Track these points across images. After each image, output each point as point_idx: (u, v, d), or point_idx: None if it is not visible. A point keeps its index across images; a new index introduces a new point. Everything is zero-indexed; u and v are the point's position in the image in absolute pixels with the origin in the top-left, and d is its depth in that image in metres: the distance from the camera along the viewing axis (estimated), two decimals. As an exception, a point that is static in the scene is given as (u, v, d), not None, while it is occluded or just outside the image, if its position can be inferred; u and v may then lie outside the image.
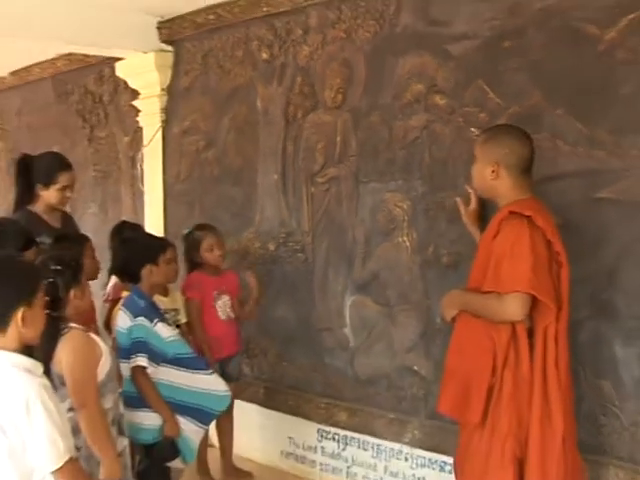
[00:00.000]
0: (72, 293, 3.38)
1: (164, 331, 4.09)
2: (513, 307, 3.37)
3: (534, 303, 3.40)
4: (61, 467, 2.66)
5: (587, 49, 3.86)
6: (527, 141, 3.60)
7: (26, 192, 4.78)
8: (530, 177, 3.61)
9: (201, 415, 4.15)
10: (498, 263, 3.40)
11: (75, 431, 3.22)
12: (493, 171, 3.54)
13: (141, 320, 4.05)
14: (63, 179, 4.77)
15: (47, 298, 3.17)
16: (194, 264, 5.14)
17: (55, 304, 3.29)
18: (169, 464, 4.15)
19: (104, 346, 3.43)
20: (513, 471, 3.44)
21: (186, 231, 5.25)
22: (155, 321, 4.08)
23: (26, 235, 4.04)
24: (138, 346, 4.02)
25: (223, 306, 5.13)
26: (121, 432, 3.55)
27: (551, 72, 4.00)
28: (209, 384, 4.18)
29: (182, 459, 4.18)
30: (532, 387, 3.43)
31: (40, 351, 3.16)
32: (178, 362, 4.10)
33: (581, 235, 3.89)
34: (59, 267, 3.35)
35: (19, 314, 2.65)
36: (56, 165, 4.86)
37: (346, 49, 5.02)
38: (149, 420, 4.00)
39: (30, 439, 2.63)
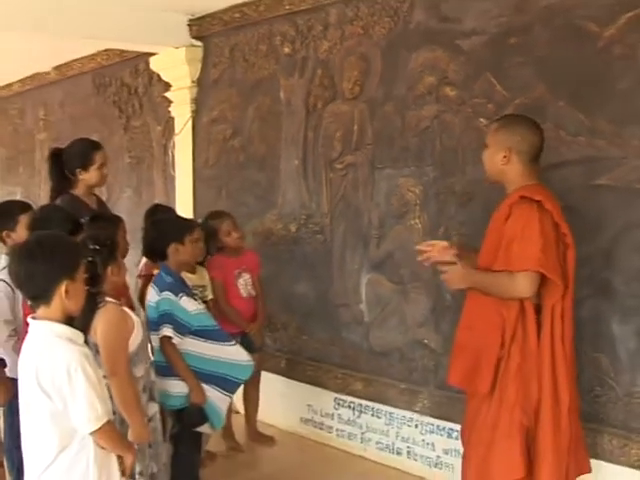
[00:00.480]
0: (109, 270, 3.39)
1: (189, 304, 4.07)
2: (523, 284, 3.37)
3: (542, 282, 3.39)
4: (99, 428, 2.68)
5: (588, 45, 3.83)
6: (538, 130, 3.55)
7: (61, 181, 4.76)
8: (538, 165, 3.56)
9: (226, 383, 4.13)
10: (509, 244, 3.40)
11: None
12: (505, 156, 3.49)
13: (166, 294, 4.03)
14: (98, 157, 4.74)
15: (86, 275, 3.23)
16: (215, 249, 5.11)
17: (93, 280, 3.31)
18: (199, 429, 4.16)
19: (136, 319, 3.45)
20: (520, 440, 3.44)
21: (201, 221, 5.19)
22: (180, 295, 4.05)
23: (72, 220, 4.03)
24: (164, 318, 4.01)
25: (244, 284, 5.13)
26: (152, 398, 3.57)
27: (554, 66, 3.96)
28: (233, 354, 4.16)
29: (210, 425, 4.18)
30: (540, 361, 3.43)
31: (79, 322, 3.20)
32: (203, 334, 4.09)
33: (581, 219, 3.85)
34: (97, 246, 3.35)
35: (63, 287, 2.67)
36: (89, 147, 4.84)
37: (363, 44, 5.00)
38: (177, 387, 4.00)
39: (71, 403, 2.65)
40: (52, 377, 2.65)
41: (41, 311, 2.72)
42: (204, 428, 4.17)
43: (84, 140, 5.08)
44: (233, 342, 4.23)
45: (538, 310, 3.46)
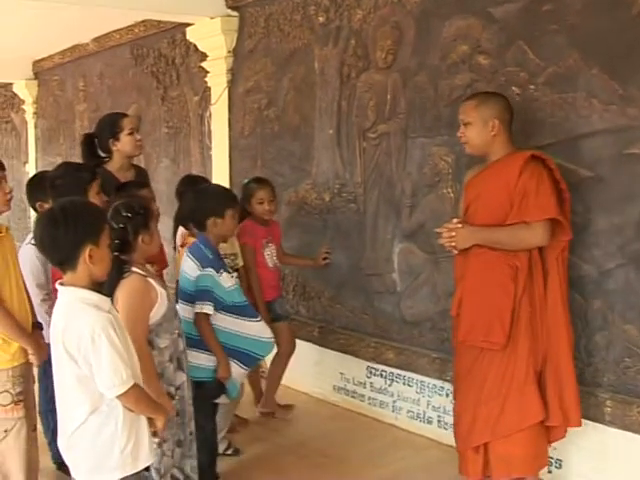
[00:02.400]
0: (140, 238, 3.40)
1: (227, 281, 4.09)
2: (542, 233, 3.66)
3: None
4: (125, 392, 2.72)
5: (622, 12, 3.78)
6: (509, 102, 3.90)
7: (91, 160, 4.81)
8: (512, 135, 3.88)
9: (247, 359, 4.18)
10: (524, 197, 3.65)
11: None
12: (493, 127, 3.77)
13: (209, 271, 4.03)
14: (127, 123, 4.80)
15: (117, 241, 3.27)
16: (246, 212, 5.14)
17: (124, 247, 3.37)
18: (216, 400, 4.20)
19: (161, 290, 3.43)
20: (535, 388, 3.70)
21: (245, 181, 5.29)
22: (221, 272, 4.07)
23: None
24: (204, 295, 4.01)
25: (270, 254, 5.16)
26: (180, 368, 3.58)
27: (587, 34, 3.91)
28: (257, 331, 4.18)
29: (228, 396, 4.21)
30: (549, 306, 3.73)
31: (106, 288, 3.27)
32: (233, 309, 4.11)
33: (612, 188, 3.85)
34: (129, 214, 3.38)
35: (86, 252, 2.71)
36: (115, 116, 4.94)
37: (397, 13, 4.98)
38: (204, 360, 4.03)
39: (97, 368, 2.69)
40: (77, 343, 2.70)
41: (68, 277, 2.77)
42: (221, 399, 4.22)
43: (110, 113, 5.19)
44: (259, 318, 4.26)
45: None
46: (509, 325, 3.66)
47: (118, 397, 2.74)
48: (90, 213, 2.83)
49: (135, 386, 2.77)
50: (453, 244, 3.86)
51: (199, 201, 4.31)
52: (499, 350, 3.69)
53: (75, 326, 2.72)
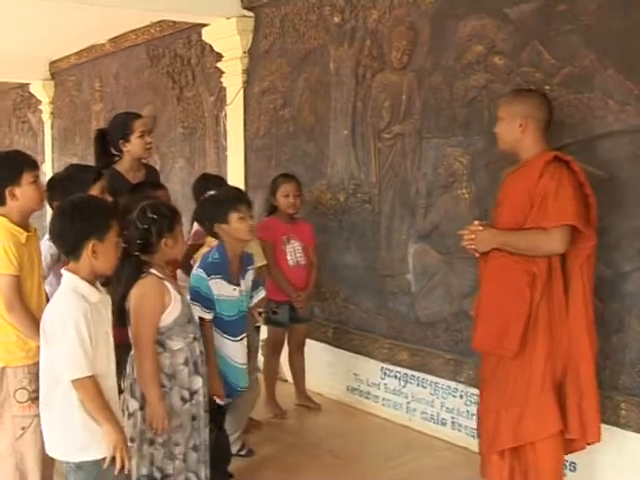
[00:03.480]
0: (164, 241, 3.42)
1: (219, 288, 3.88)
2: (560, 239, 3.52)
3: (571, 239, 3.55)
4: (79, 380, 2.81)
5: (637, 12, 3.76)
6: (548, 101, 3.76)
7: (102, 158, 4.82)
8: (547, 135, 3.74)
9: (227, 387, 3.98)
10: (543, 201, 3.53)
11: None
12: (521, 124, 3.67)
13: (199, 271, 3.90)
14: (138, 125, 4.80)
15: (139, 241, 3.36)
16: (272, 207, 5.26)
17: (145, 248, 3.40)
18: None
19: (176, 295, 3.44)
20: (553, 395, 3.59)
21: (274, 176, 5.43)
22: (212, 277, 3.86)
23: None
24: (193, 294, 3.86)
25: (292, 251, 5.20)
26: (197, 372, 3.55)
27: (603, 34, 3.90)
28: (231, 352, 3.95)
29: (232, 394, 4.08)
30: (568, 316, 3.59)
31: (118, 285, 3.31)
32: (217, 321, 3.91)
33: (628, 190, 3.83)
34: (155, 216, 3.40)
35: (90, 246, 2.84)
36: (128, 117, 4.93)
37: (412, 13, 4.98)
38: None
39: (59, 351, 2.83)
40: (51, 323, 2.86)
41: (71, 265, 2.92)
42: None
43: (123, 112, 5.19)
44: (239, 338, 4.00)
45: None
46: (522, 332, 3.56)
47: (72, 383, 2.83)
48: (98, 209, 2.96)
49: (90, 379, 2.84)
50: (473, 247, 3.80)
51: (203, 210, 4.21)
52: (513, 357, 3.60)
53: (54, 308, 2.90)
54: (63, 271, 2.93)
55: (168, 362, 3.44)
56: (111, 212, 3.02)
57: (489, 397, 3.79)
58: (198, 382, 3.55)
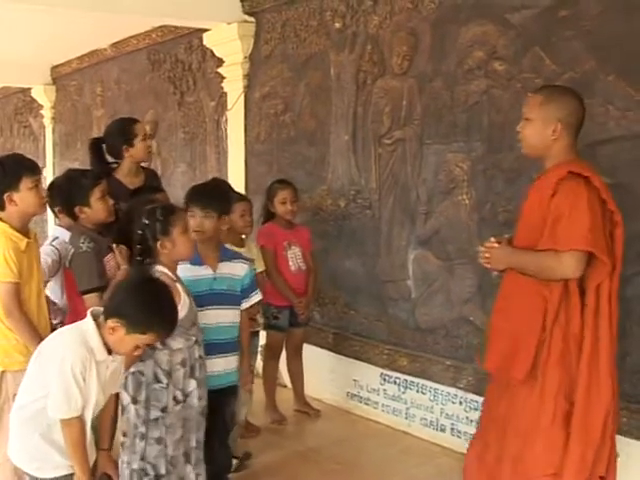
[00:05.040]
0: (159, 244, 3.44)
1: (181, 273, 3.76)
2: (570, 264, 3.19)
3: (588, 262, 3.22)
4: (68, 419, 2.91)
5: (639, 18, 3.76)
6: (582, 103, 3.39)
7: (98, 167, 4.76)
8: (577, 140, 3.43)
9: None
10: (556, 222, 3.21)
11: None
12: (554, 130, 3.30)
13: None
14: (139, 128, 4.79)
15: (139, 246, 3.43)
16: (269, 214, 5.25)
17: (145, 252, 3.44)
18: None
19: (185, 298, 3.47)
20: (564, 430, 3.25)
21: (269, 183, 5.40)
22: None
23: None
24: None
25: (294, 257, 5.21)
26: (192, 376, 3.55)
27: (604, 40, 3.90)
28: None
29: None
30: (582, 345, 3.24)
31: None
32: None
33: (629, 195, 3.81)
34: (147, 221, 3.44)
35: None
36: (128, 122, 4.92)
37: (412, 19, 4.97)
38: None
39: (54, 387, 2.90)
40: (51, 352, 2.98)
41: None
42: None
43: (121, 118, 5.18)
44: (211, 308, 3.90)
45: (582, 292, 3.28)
46: (532, 359, 3.26)
47: (61, 421, 2.93)
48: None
49: (78, 419, 2.94)
50: (489, 265, 3.53)
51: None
52: (523, 385, 3.31)
53: (58, 343, 3.01)
54: (83, 325, 3.02)
55: (166, 359, 3.46)
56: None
57: (494, 422, 3.52)
58: (192, 384, 3.56)
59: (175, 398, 3.49)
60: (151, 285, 3.12)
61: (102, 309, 3.04)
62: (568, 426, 3.23)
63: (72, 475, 3.00)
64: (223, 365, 3.93)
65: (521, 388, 3.33)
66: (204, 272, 3.89)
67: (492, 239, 3.52)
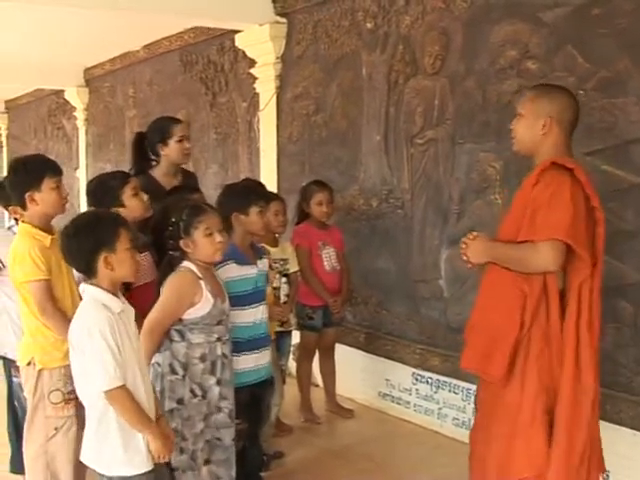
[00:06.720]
0: (182, 243, 3.48)
1: (224, 274, 3.80)
2: (547, 255, 3.03)
3: (569, 259, 3.07)
4: (112, 390, 2.83)
5: (673, 14, 3.77)
6: (576, 102, 3.28)
7: (139, 162, 4.83)
8: (571, 141, 3.30)
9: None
10: (535, 212, 3.07)
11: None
12: (544, 125, 3.19)
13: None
14: (177, 130, 4.79)
15: (171, 241, 3.49)
16: (303, 214, 5.30)
17: (175, 248, 3.50)
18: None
19: (208, 296, 3.48)
20: (544, 429, 3.13)
21: (305, 183, 5.45)
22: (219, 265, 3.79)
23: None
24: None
25: (328, 257, 5.26)
26: (213, 373, 3.54)
27: (638, 38, 3.89)
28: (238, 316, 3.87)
29: None
30: (563, 344, 3.11)
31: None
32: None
33: (663, 194, 3.83)
34: (174, 219, 3.50)
35: (101, 259, 2.88)
36: (167, 121, 4.95)
37: (444, 18, 5.00)
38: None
39: (89, 362, 2.85)
40: (77, 335, 2.90)
41: (93, 280, 2.96)
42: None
43: (164, 116, 5.23)
44: (254, 306, 3.93)
45: (562, 294, 3.14)
46: (509, 357, 3.14)
47: (105, 395, 2.84)
48: (100, 222, 2.98)
49: (123, 388, 2.86)
50: (466, 259, 3.36)
51: (224, 196, 4.15)
52: (497, 384, 3.19)
53: (79, 319, 2.93)
54: (83, 285, 2.97)
55: (183, 351, 3.49)
56: (114, 220, 3.04)
57: (477, 424, 3.47)
58: (211, 381, 3.55)
59: (192, 391, 3.51)
60: (74, 219, 3.02)
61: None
62: (549, 427, 3.13)
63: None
64: (267, 358, 4.00)
65: (501, 388, 3.20)
66: (251, 271, 3.93)
67: (474, 233, 3.37)
